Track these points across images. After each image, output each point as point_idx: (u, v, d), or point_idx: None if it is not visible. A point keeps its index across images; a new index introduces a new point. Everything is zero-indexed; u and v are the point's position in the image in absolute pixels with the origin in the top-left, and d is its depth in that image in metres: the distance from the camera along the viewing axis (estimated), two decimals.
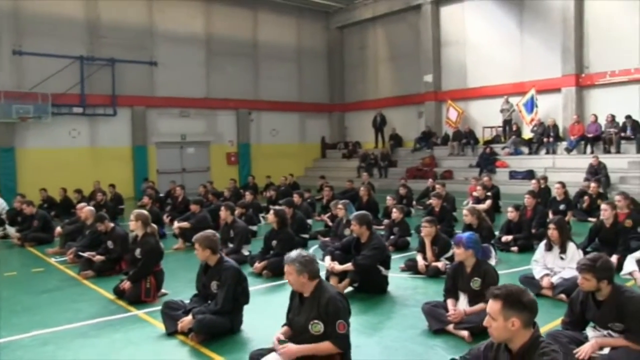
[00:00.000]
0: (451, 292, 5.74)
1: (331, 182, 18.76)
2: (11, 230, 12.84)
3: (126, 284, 7.08)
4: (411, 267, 8.05)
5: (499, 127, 22.85)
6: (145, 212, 7.55)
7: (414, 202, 15.23)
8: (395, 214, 9.96)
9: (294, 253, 4.51)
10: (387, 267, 7.17)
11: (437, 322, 5.51)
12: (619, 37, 19.33)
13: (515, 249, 9.39)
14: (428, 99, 25.49)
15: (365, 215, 7.11)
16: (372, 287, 6.97)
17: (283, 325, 4.82)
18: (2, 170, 20.08)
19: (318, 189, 19.06)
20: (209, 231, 5.95)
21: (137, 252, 7.10)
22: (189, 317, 5.54)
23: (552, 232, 6.83)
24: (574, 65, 20.37)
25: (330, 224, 11.41)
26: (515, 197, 15.57)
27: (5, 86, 19.90)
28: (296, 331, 4.56)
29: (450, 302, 5.63)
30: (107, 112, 22.38)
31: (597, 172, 16.63)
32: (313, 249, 10.21)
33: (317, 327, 4.36)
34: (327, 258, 7.23)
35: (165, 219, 13.38)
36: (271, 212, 8.28)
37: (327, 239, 10.32)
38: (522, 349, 3.05)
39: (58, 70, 20.91)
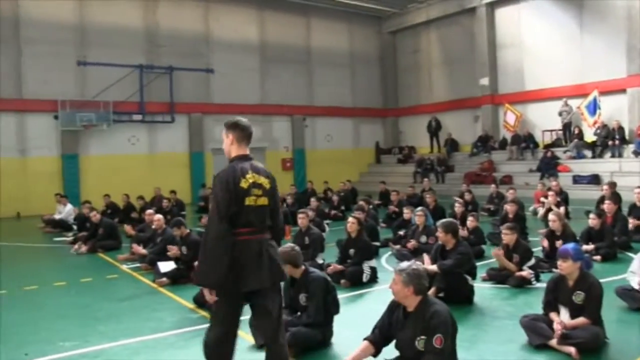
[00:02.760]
0: (551, 306, 5.42)
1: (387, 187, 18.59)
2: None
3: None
4: (494, 276, 7.78)
5: (560, 130, 22.21)
6: None
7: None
8: (472, 222, 9.67)
9: (405, 263, 4.41)
10: (474, 277, 6.96)
11: (538, 336, 5.21)
12: None
13: (598, 258, 8.86)
14: (484, 103, 25.03)
15: (452, 223, 6.94)
16: (458, 297, 6.74)
17: (365, 339, 4.65)
18: (67, 176, 20.72)
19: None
20: (288, 245, 5.74)
21: None
22: None
23: None
24: None
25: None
26: (581, 202, 15.09)
27: (70, 95, 20.58)
28: (402, 347, 4.42)
29: (554, 315, 5.33)
30: (165, 119, 22.80)
31: None
32: (386, 256, 10.05)
33: (424, 342, 4.22)
34: (426, 256, 7.04)
35: None
36: (350, 219, 8.12)
37: (397, 246, 10.11)
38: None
39: (119, 79, 21.45)
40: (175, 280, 8.56)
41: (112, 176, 20.63)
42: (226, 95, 24.13)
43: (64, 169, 20.83)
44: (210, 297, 3.95)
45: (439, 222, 7.11)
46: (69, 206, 16.32)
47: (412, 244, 9.24)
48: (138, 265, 10.10)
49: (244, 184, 3.94)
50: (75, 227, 14.94)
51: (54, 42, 20.55)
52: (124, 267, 10.28)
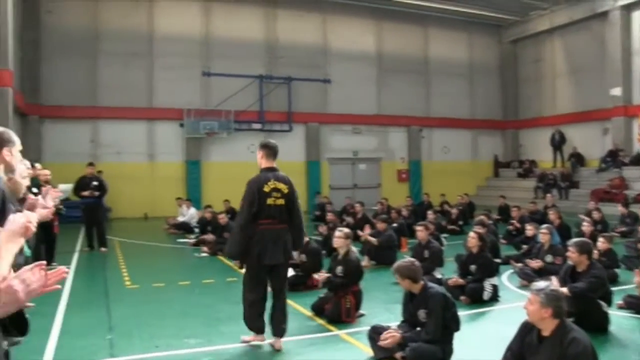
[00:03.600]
0: None
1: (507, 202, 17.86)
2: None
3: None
4: (633, 304, 7.11)
5: None
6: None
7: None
8: (604, 244, 8.94)
9: (542, 283, 4.15)
10: (609, 303, 6.43)
11: None
12: None
13: None
14: (615, 115, 23.33)
15: (587, 243, 6.44)
16: (590, 324, 6.18)
17: None
18: (190, 181, 21.86)
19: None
20: (408, 260, 5.64)
21: (339, 269, 7.04)
22: (398, 334, 5.31)
23: None
24: None
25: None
26: None
27: (195, 105, 21.76)
28: None
29: None
30: (283, 128, 23.37)
31: None
32: (507, 274, 9.60)
33: None
34: (554, 279, 6.63)
35: None
36: (471, 234, 7.83)
37: (519, 264, 9.60)
38: None
39: (240, 89, 22.31)
40: (294, 286, 8.56)
41: (231, 182, 21.22)
42: (343, 105, 24.39)
43: (187, 174, 21.99)
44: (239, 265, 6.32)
45: (572, 241, 6.62)
46: (192, 209, 17.14)
47: (537, 263, 8.72)
48: None
49: (266, 189, 5.61)
50: (197, 230, 15.59)
51: (182, 54, 21.92)
52: (243, 271, 10.51)
